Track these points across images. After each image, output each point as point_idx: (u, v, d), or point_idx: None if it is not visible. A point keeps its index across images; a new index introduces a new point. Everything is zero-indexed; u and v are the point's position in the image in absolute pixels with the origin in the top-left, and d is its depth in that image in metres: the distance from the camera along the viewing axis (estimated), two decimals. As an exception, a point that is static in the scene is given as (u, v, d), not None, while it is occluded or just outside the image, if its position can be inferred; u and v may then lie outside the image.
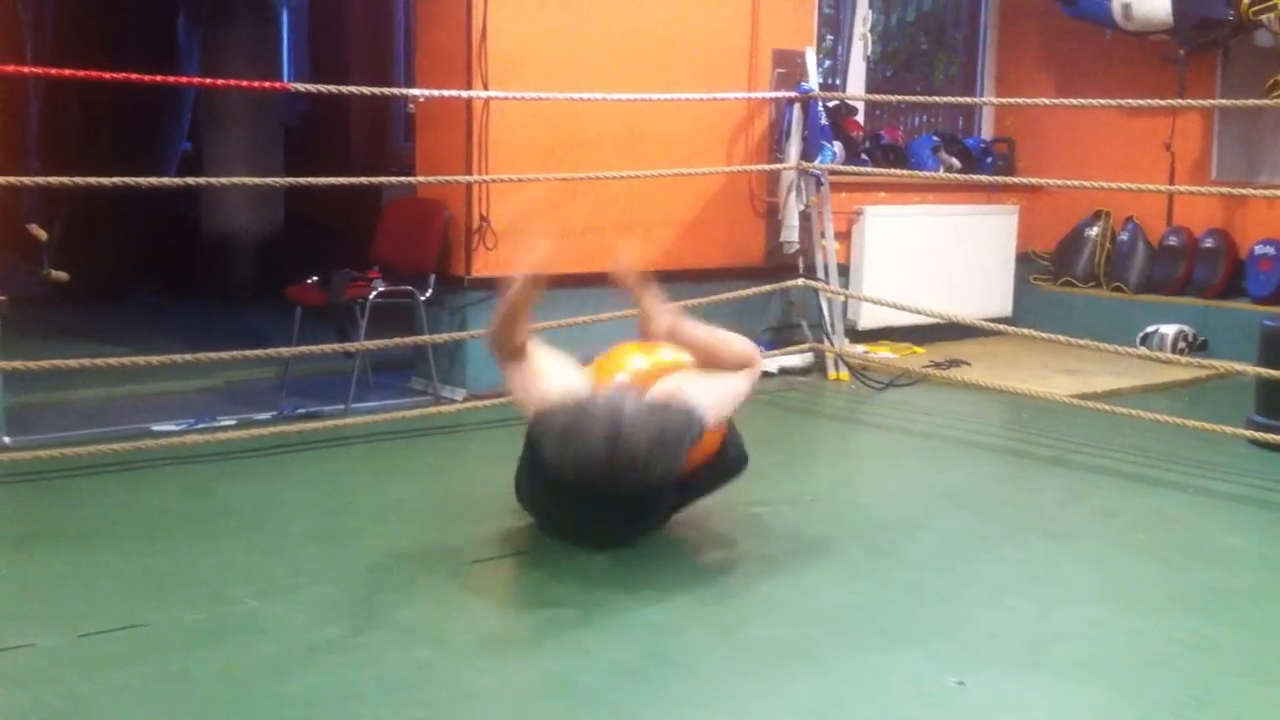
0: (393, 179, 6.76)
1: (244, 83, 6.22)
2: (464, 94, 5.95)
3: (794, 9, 7.17)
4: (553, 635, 3.30)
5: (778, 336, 7.16)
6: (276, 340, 5.86)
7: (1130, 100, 6.69)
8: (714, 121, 6.89)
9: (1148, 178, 7.30)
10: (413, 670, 3.03)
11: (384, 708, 2.81)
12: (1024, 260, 8.29)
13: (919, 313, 6.43)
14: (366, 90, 5.80)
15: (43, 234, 5.46)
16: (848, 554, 3.75)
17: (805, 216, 6.95)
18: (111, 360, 5.01)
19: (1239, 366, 5.50)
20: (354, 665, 3.03)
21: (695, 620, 3.40)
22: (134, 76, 5.16)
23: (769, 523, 4.25)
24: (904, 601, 3.56)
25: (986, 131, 8.63)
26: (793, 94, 6.93)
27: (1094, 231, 8.16)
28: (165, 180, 6.07)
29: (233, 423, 5.41)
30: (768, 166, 7.05)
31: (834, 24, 7.93)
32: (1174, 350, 7.15)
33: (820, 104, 6.95)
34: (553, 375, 3.70)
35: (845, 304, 7.11)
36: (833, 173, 6.96)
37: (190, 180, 5.89)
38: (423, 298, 5.93)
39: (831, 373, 6.86)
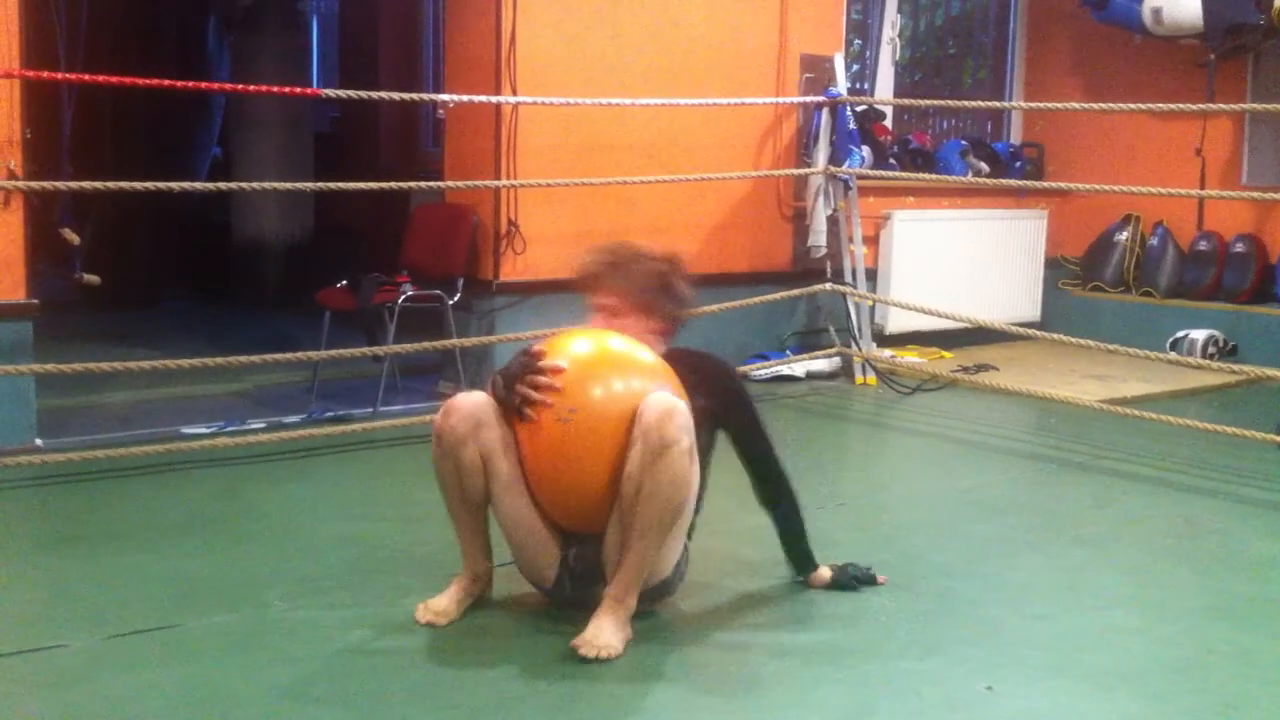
0: (422, 184, 6.81)
1: (274, 88, 6.26)
2: (493, 99, 5.98)
3: (822, 14, 7.18)
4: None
5: (805, 341, 7.16)
6: (306, 344, 5.89)
7: (1160, 104, 6.65)
8: (742, 126, 6.89)
9: (1178, 182, 7.26)
10: (443, 673, 3.04)
11: (415, 711, 2.82)
12: (1053, 265, 8.25)
13: (947, 317, 6.42)
14: (396, 96, 5.83)
15: (75, 238, 5.50)
16: (875, 559, 3.74)
17: (833, 221, 6.94)
18: (143, 364, 5.05)
19: (1270, 372, 5.47)
20: (383, 669, 3.04)
21: (721, 626, 3.39)
22: (165, 82, 5.22)
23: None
24: (933, 607, 3.55)
25: (1015, 136, 8.60)
26: (821, 99, 6.93)
27: (1123, 236, 8.11)
28: (196, 185, 6.13)
29: (262, 426, 5.44)
30: (795, 171, 7.05)
31: (862, 29, 7.92)
32: (1204, 355, 7.11)
33: (848, 108, 6.93)
34: None
35: (873, 308, 7.10)
36: (861, 177, 6.94)
37: (221, 185, 5.94)
38: (451, 302, 5.96)
39: (859, 377, 6.85)
